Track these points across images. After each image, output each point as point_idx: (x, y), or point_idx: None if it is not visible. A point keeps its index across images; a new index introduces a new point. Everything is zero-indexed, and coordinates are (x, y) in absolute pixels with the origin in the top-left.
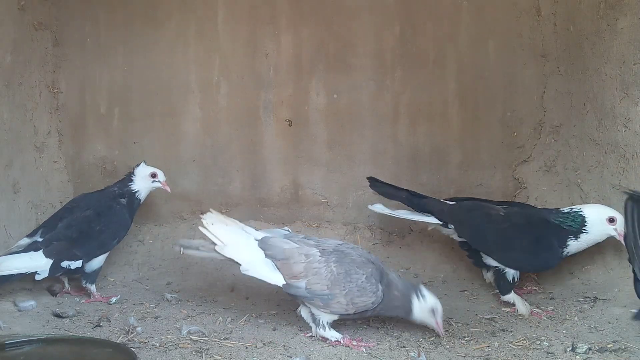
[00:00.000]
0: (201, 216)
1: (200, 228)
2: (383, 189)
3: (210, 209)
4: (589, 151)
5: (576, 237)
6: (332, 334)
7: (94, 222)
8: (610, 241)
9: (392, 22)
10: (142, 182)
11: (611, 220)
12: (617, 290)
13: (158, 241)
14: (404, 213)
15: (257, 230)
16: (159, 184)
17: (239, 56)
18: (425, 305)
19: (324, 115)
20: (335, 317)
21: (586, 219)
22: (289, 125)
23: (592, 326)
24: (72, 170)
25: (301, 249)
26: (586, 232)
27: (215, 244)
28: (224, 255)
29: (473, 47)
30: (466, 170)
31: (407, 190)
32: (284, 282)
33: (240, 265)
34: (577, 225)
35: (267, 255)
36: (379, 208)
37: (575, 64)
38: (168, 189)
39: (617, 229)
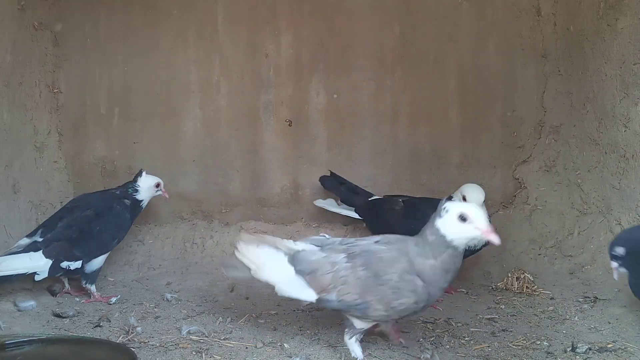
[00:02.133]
0: (236, 242)
1: (236, 254)
2: (328, 182)
3: (242, 231)
4: (589, 151)
5: None
6: (356, 350)
7: (94, 223)
8: (610, 241)
9: (392, 22)
10: (147, 192)
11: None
12: (617, 290)
13: (158, 241)
14: (335, 207)
15: (296, 242)
16: (160, 192)
17: (239, 56)
18: (451, 216)
19: (324, 115)
20: (372, 323)
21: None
22: (289, 125)
23: (592, 326)
24: (72, 170)
25: (329, 257)
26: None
27: (249, 268)
28: (259, 279)
29: (473, 47)
30: (466, 170)
31: (346, 183)
32: (316, 297)
33: (274, 286)
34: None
35: (297, 272)
36: (320, 203)
37: (575, 64)
38: (167, 195)
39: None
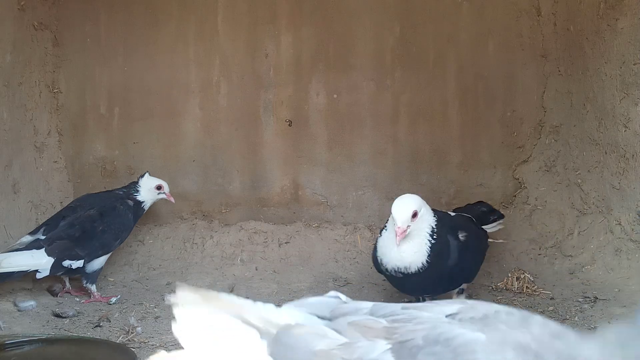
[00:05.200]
0: (168, 299)
1: (175, 328)
2: None
3: (178, 284)
4: (589, 151)
5: None
6: None
7: (97, 222)
8: (610, 241)
9: (392, 22)
10: (148, 194)
11: None
12: (617, 290)
13: (158, 241)
14: None
15: (282, 307)
16: (164, 195)
17: (239, 56)
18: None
19: (324, 115)
20: None
21: None
22: (289, 125)
23: (592, 326)
24: (72, 170)
25: (351, 347)
26: None
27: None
28: None
29: (473, 47)
30: (466, 170)
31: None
32: None
33: None
34: None
35: None
36: None
37: (575, 64)
38: (172, 199)
39: None
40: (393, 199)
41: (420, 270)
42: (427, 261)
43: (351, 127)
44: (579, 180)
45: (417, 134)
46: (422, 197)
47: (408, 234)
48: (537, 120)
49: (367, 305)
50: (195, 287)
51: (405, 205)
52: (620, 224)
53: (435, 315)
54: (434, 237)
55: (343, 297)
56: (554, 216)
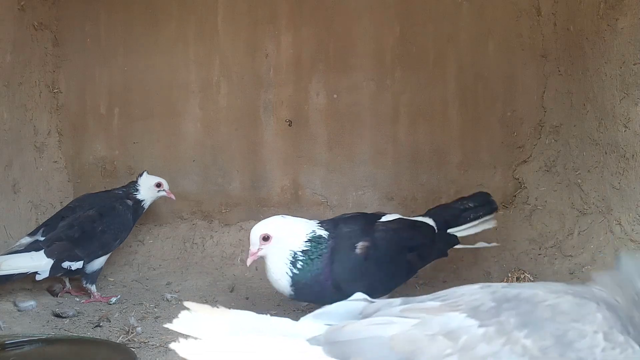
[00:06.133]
0: (168, 325)
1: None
2: None
3: (186, 304)
4: (589, 151)
5: None
6: None
7: (96, 223)
8: (610, 241)
9: (392, 22)
10: (148, 192)
11: None
12: None
13: (158, 241)
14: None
15: (302, 320)
16: (164, 193)
17: (239, 56)
18: None
19: (324, 115)
20: None
21: None
22: (289, 125)
23: None
24: (72, 170)
25: (426, 324)
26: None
27: None
28: None
29: (473, 47)
30: (466, 170)
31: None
32: None
33: None
34: None
35: None
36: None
37: (575, 64)
38: (173, 196)
39: None
40: (393, 199)
41: (294, 296)
42: (292, 289)
43: (351, 127)
44: (579, 180)
45: (417, 134)
46: (422, 197)
47: (265, 256)
48: (537, 120)
49: (397, 300)
50: (205, 305)
51: (258, 228)
52: (620, 224)
53: (491, 289)
54: (298, 264)
55: (368, 297)
56: (554, 216)
